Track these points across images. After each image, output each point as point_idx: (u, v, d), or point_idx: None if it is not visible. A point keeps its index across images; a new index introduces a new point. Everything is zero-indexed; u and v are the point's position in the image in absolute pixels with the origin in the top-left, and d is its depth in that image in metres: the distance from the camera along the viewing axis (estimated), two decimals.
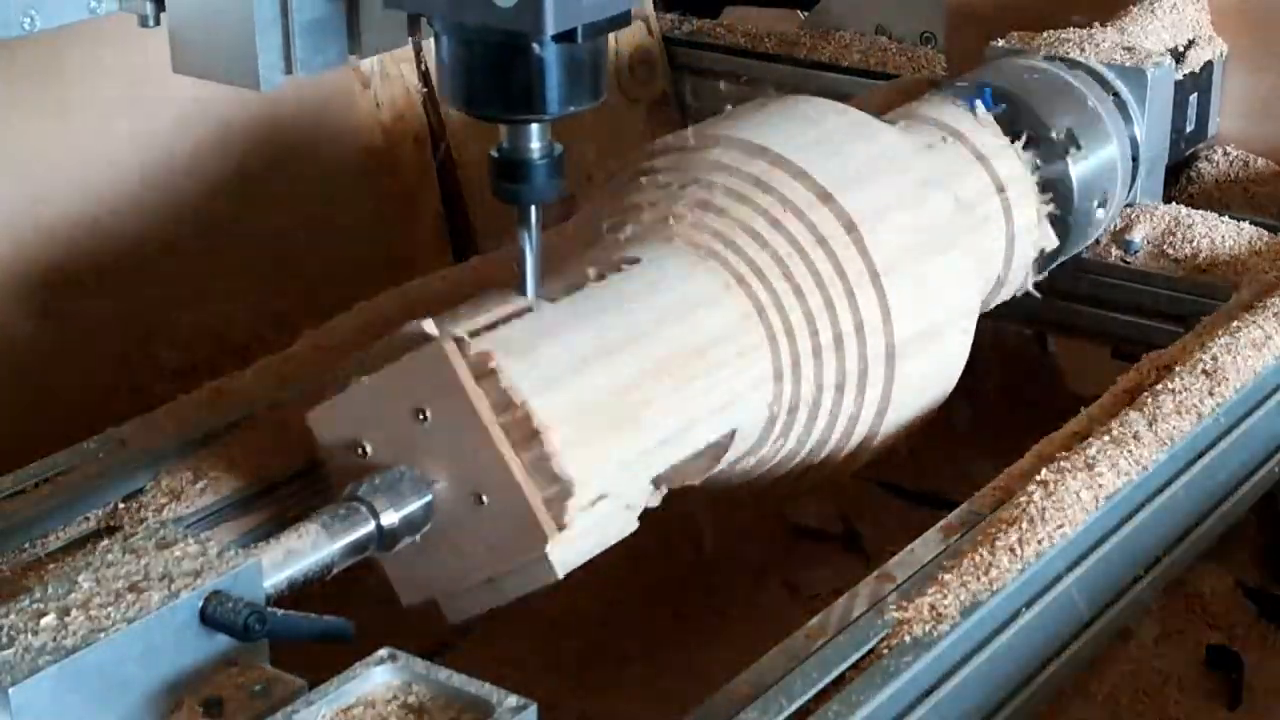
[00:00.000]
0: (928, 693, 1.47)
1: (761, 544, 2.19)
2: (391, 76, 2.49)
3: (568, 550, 1.51)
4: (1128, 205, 2.25)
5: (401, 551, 1.53)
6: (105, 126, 2.22)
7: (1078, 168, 2.09)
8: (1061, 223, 2.07)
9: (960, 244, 1.87)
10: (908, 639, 1.47)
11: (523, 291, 1.60)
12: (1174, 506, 1.78)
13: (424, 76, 2.53)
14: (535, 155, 1.54)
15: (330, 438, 1.57)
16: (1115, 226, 2.22)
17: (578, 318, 1.60)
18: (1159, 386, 1.82)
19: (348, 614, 1.42)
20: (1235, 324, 1.92)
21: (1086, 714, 1.97)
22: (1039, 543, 1.60)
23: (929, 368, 1.82)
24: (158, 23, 1.47)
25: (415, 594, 1.58)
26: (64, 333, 2.21)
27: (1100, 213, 2.14)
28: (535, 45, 1.45)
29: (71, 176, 2.20)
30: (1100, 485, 1.68)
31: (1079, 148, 2.10)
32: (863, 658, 1.46)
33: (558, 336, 1.56)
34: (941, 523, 1.65)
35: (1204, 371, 1.84)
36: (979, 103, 2.07)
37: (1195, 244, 2.18)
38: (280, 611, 1.35)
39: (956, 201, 1.89)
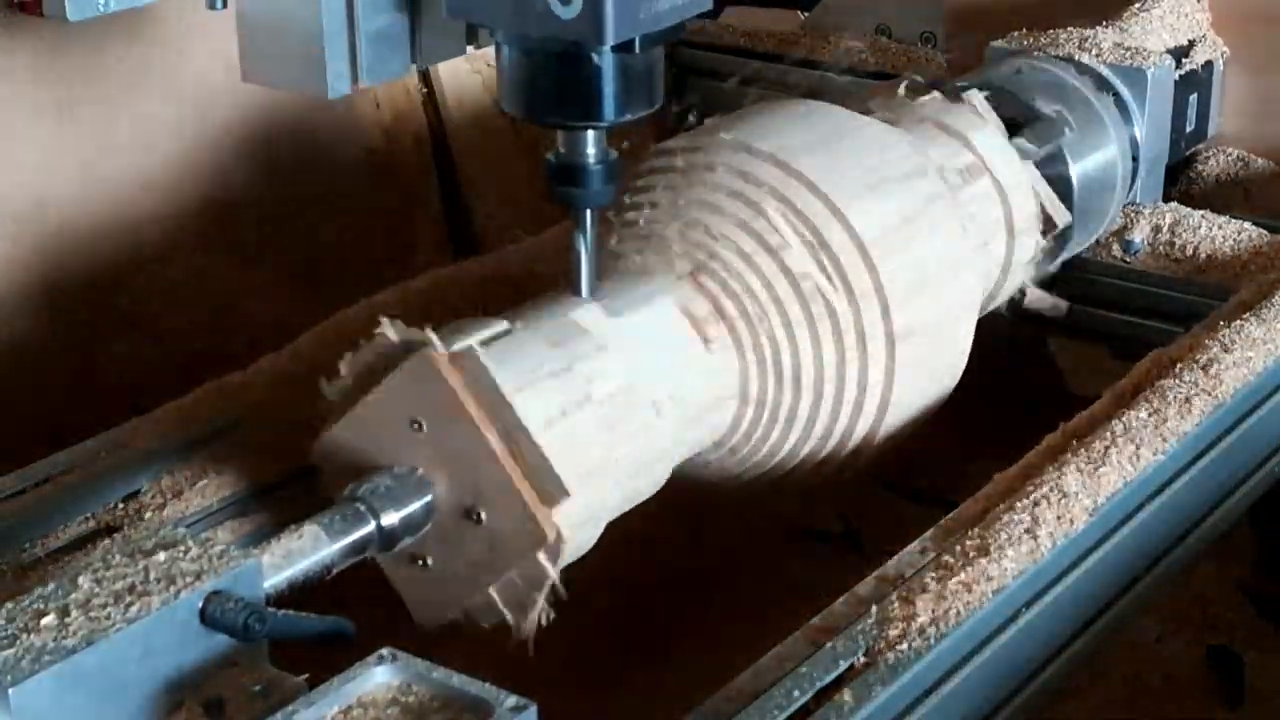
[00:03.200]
0: (928, 693, 1.47)
1: (761, 544, 2.19)
2: None
3: (565, 545, 1.52)
4: (1128, 205, 2.25)
5: (414, 576, 1.54)
6: (106, 129, 2.22)
7: (1072, 150, 2.09)
8: (1066, 203, 2.07)
9: (952, 217, 1.87)
10: (908, 640, 1.47)
11: (578, 293, 1.64)
12: (1174, 506, 1.78)
13: (424, 77, 2.53)
14: (591, 161, 1.59)
15: (334, 467, 1.57)
16: (1115, 226, 2.22)
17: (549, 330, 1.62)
18: (1159, 386, 1.82)
19: (347, 614, 1.42)
20: (1235, 324, 1.92)
21: (1086, 714, 1.97)
22: (1039, 543, 1.60)
23: (930, 349, 1.82)
24: (225, 5, 1.51)
25: (433, 616, 1.58)
26: (64, 332, 2.21)
27: (1107, 196, 2.14)
28: (594, 55, 1.50)
29: (72, 178, 2.21)
30: (1100, 485, 1.68)
31: (1072, 129, 2.10)
32: (862, 658, 1.46)
33: (535, 345, 1.58)
34: (941, 522, 1.65)
35: (1204, 371, 1.84)
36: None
37: (1195, 244, 2.18)
38: (280, 612, 1.35)
39: (942, 178, 1.89)
